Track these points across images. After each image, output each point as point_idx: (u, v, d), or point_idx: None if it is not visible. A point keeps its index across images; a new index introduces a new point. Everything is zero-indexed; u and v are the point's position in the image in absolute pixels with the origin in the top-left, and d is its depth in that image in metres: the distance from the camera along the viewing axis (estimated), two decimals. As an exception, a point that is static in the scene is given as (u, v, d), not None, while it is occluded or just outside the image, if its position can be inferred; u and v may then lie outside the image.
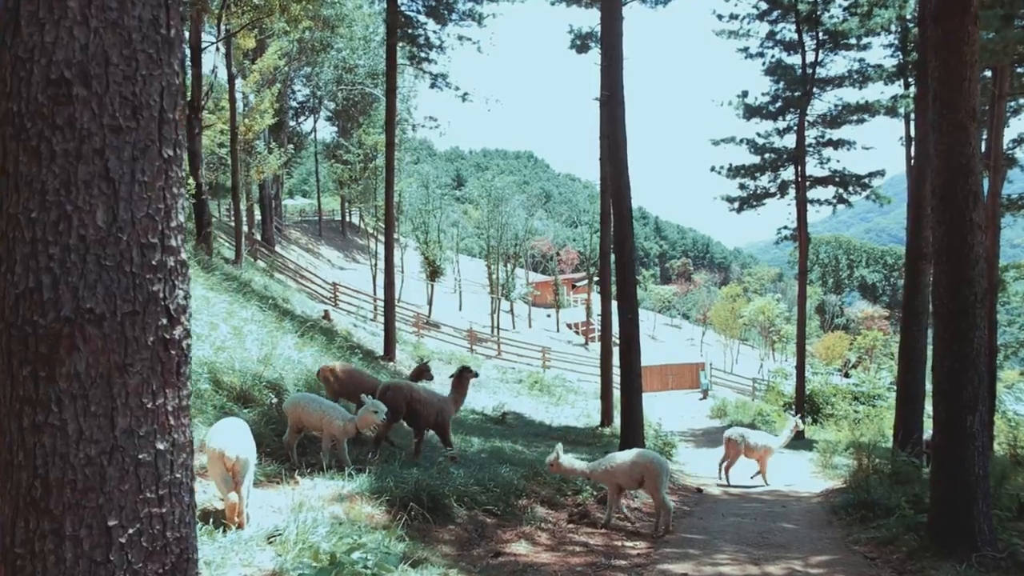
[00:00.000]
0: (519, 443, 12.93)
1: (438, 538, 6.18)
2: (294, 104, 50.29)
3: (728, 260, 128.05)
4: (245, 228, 34.11)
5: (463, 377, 9.53)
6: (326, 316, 22.05)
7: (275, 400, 9.41)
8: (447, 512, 6.65)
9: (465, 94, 21.75)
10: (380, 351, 21.07)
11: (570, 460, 7.50)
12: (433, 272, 35.26)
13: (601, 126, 12.32)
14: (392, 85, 21.07)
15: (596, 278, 78.58)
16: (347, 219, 58.87)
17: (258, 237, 35.74)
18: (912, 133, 22.69)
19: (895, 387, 25.49)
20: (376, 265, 32.54)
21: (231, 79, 22.30)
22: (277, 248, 38.41)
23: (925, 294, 11.11)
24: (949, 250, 5.69)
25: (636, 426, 11.74)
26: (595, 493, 8.39)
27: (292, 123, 50.27)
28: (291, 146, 30.00)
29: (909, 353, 11.00)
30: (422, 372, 10.96)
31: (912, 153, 22.86)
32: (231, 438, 5.29)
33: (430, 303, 35.73)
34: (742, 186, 23.35)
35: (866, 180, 23.17)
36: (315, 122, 52.92)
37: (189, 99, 19.83)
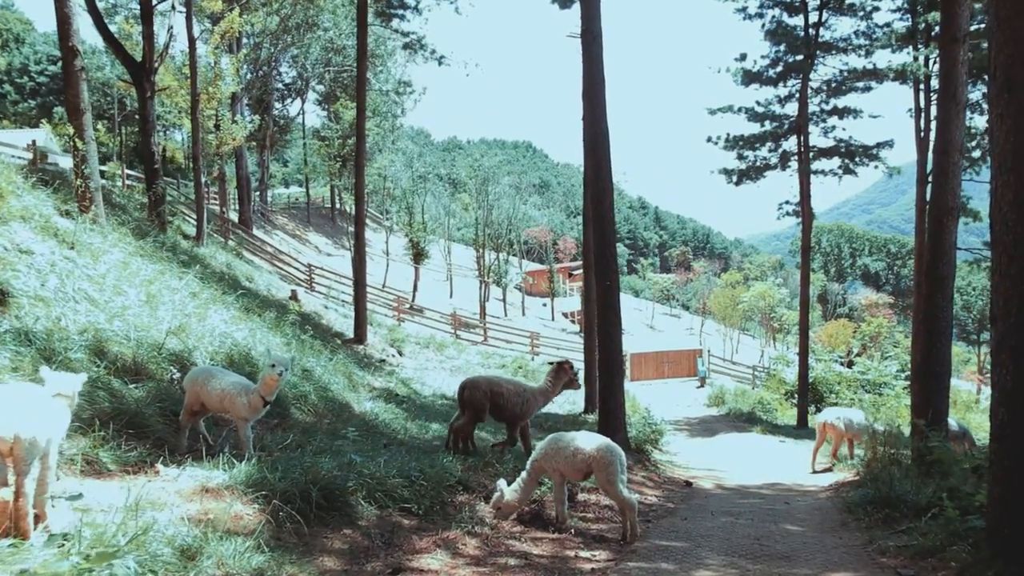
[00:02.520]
0: (485, 430, 11.42)
1: (325, 547, 4.64)
2: (280, 86, 48.63)
3: (728, 250, 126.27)
4: (216, 207, 32.57)
5: (561, 371, 8.57)
6: (293, 296, 20.49)
7: (177, 375, 7.89)
8: (347, 511, 5.12)
9: (442, 57, 20.13)
10: (351, 333, 19.56)
11: (512, 491, 5.88)
12: (417, 255, 33.63)
13: (584, 78, 10.72)
14: (363, 47, 19.49)
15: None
16: (337, 206, 57.22)
17: (235, 219, 34.14)
18: (921, 104, 21.15)
19: (909, 369, 24.20)
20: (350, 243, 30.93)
21: (191, 42, 20.63)
22: (259, 232, 36.84)
23: (951, 256, 9.55)
24: (1016, 151, 4.13)
25: (616, 410, 10.19)
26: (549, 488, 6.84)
27: (278, 105, 48.67)
28: (257, 117, 28.06)
29: (932, 323, 9.41)
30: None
31: (922, 125, 21.36)
32: (6, 412, 3.73)
33: (415, 287, 34.14)
34: (741, 156, 21.72)
35: (874, 151, 21.53)
36: (303, 104, 51.33)
37: (139, 60, 18.28)
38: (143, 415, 6.65)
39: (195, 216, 25.41)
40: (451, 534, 5.20)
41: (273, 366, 5.98)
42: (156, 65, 18.55)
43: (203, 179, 21.46)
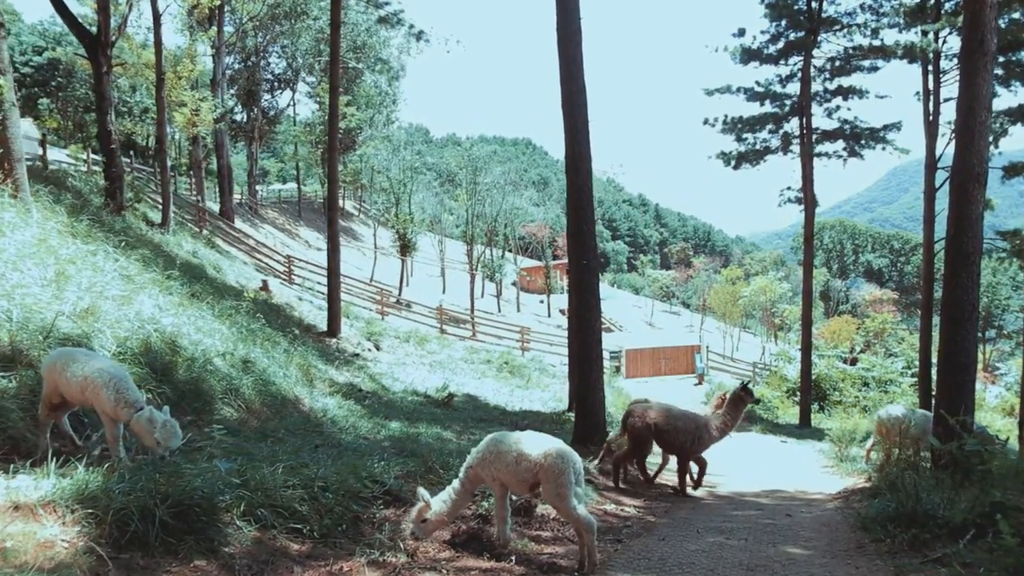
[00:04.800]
0: (451, 430, 10.23)
1: (161, 587, 3.42)
2: (269, 77, 47.48)
3: (730, 247, 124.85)
4: (178, 189, 31.38)
5: (739, 400, 7.79)
6: (264, 287, 19.29)
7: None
8: (209, 534, 3.89)
9: (420, 32, 18.95)
10: (325, 326, 18.35)
11: (440, 501, 4.60)
12: (404, 247, 32.39)
13: (558, 29, 9.44)
14: (336, 20, 18.30)
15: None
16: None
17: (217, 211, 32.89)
18: (930, 86, 19.94)
19: (916, 366, 23.01)
20: (324, 238, 29.60)
21: (156, 18, 19.40)
22: (244, 225, 35.61)
23: (977, 228, 8.29)
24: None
25: (594, 408, 8.96)
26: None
27: (267, 97, 47.53)
28: (229, 95, 26.50)
29: (956, 307, 8.15)
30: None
31: (931, 107, 20.12)
32: None
33: (401, 280, 32.93)
34: (740, 139, 20.48)
35: (881, 133, 20.29)
36: (293, 95, 50.13)
37: (95, 33, 17.10)
38: (3, 411, 5.46)
39: (176, 207, 24.24)
40: (348, 564, 3.98)
41: (160, 445, 4.74)
42: (113, 39, 17.39)
43: (169, 163, 20.24)
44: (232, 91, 43.66)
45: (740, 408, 7.80)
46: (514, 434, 4.75)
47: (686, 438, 7.61)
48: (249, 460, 5.29)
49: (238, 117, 46.01)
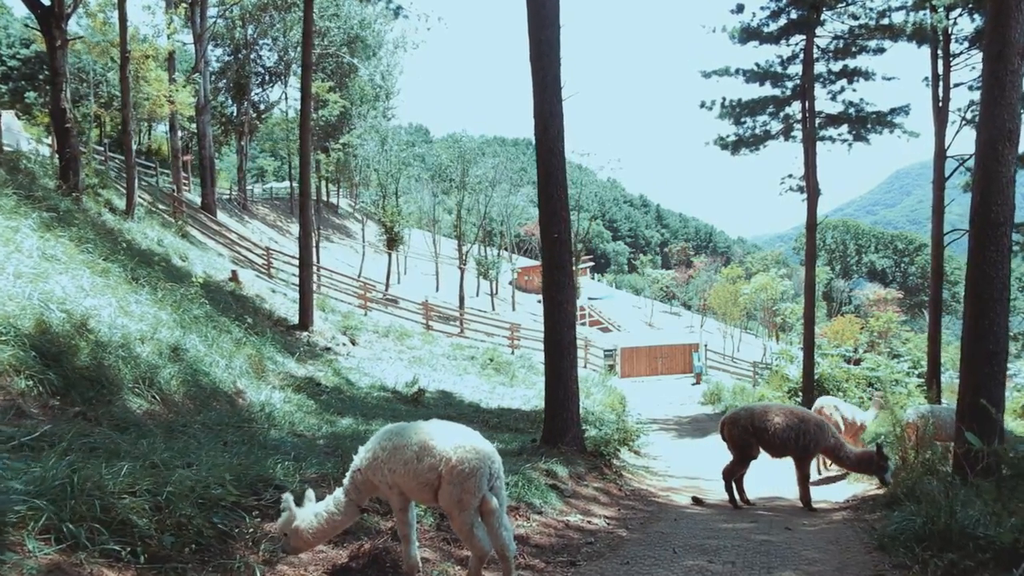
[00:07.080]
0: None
1: None
2: (260, 70, 46.46)
3: (731, 249, 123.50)
4: (160, 182, 30.30)
5: (868, 459, 6.97)
6: (233, 276, 18.18)
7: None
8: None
9: (399, 8, 17.95)
10: (296, 319, 17.26)
11: (313, 515, 3.51)
12: (391, 240, 31.29)
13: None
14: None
15: (591, 262, 74.46)
16: (324, 199, 54.84)
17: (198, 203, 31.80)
18: (939, 71, 18.88)
19: (923, 366, 21.92)
20: (318, 236, 28.51)
21: (121, -8, 18.35)
22: (228, 219, 34.52)
23: (1008, 194, 7.18)
24: None
25: (565, 402, 7.82)
26: (424, 509, 4.51)
27: (258, 90, 46.52)
28: (198, 76, 24.96)
29: (984, 285, 7.02)
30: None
31: (940, 93, 19.04)
32: None
33: (388, 275, 31.81)
34: (739, 122, 19.34)
35: (888, 117, 19.15)
36: (284, 89, 49.08)
37: (48, 4, 16.03)
38: None
39: (147, 193, 23.20)
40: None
41: None
42: (68, 12, 16.31)
43: (134, 146, 19.16)
44: (221, 84, 42.64)
45: (862, 466, 7.03)
46: (417, 423, 3.63)
47: (789, 435, 6.76)
48: (97, 457, 4.18)
49: (228, 111, 44.95)
